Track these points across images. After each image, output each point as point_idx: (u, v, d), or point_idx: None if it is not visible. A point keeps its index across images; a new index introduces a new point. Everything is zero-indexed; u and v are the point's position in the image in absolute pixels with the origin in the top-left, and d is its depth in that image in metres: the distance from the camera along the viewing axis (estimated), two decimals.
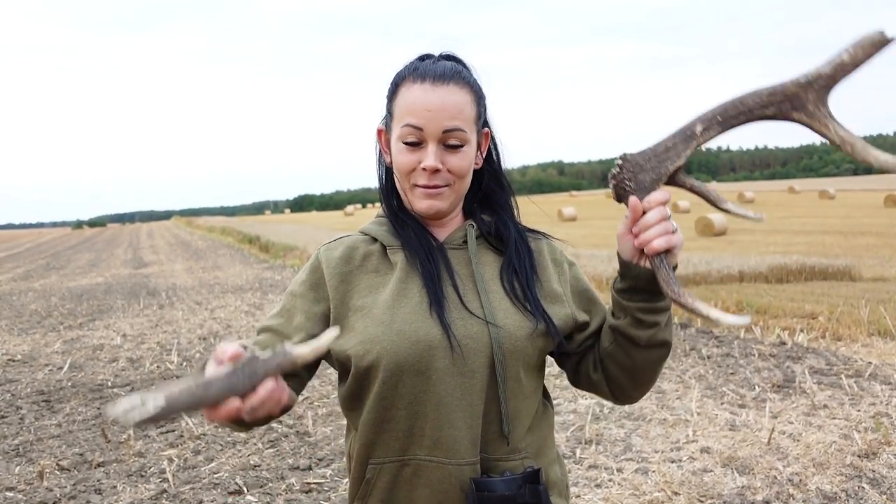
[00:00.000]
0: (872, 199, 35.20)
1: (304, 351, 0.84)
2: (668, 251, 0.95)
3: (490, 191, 1.18)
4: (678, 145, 0.91)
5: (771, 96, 0.86)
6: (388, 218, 1.16)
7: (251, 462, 3.75)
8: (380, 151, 1.18)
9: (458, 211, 1.17)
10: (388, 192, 1.17)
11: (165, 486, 3.48)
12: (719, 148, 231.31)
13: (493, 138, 1.18)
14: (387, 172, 1.17)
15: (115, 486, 3.51)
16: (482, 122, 1.14)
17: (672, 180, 0.94)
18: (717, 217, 19.49)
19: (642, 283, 1.01)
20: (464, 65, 1.13)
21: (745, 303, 7.55)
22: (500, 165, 1.19)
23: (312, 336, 1.05)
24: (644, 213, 0.94)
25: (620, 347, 1.08)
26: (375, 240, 1.14)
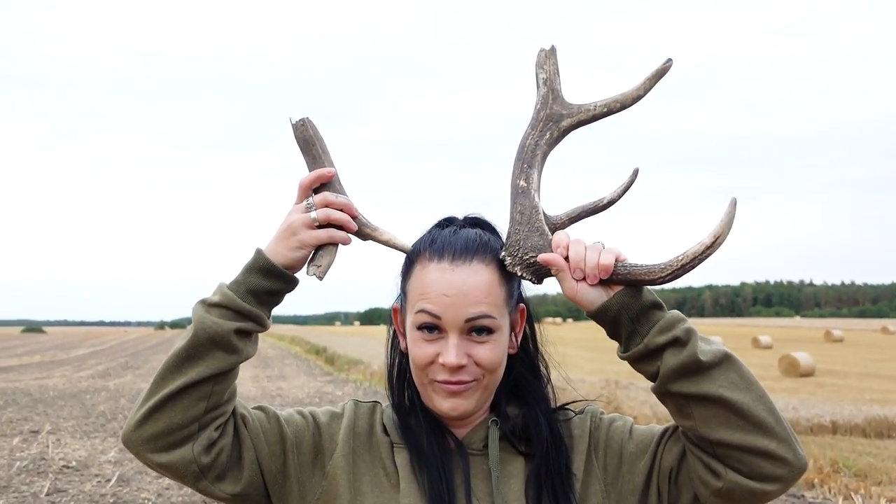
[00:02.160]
0: None
1: (384, 230, 0.95)
2: (617, 261, 0.86)
3: (521, 377, 0.99)
4: (525, 203, 0.92)
5: (536, 121, 0.94)
6: (395, 410, 0.99)
7: None
8: (393, 332, 1.02)
9: (485, 407, 0.97)
10: (402, 381, 1.00)
11: None
12: (801, 282, 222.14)
13: (529, 315, 0.99)
14: (401, 358, 1.00)
15: None
16: (515, 299, 0.96)
17: (552, 227, 0.94)
18: (802, 356, 18.21)
19: (633, 308, 0.86)
20: (492, 230, 0.97)
21: (840, 462, 6.75)
22: (536, 349, 1.00)
23: (286, 438, 0.93)
24: (566, 258, 0.87)
25: (694, 400, 0.82)
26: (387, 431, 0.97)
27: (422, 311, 0.90)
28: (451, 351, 0.88)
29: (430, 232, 0.97)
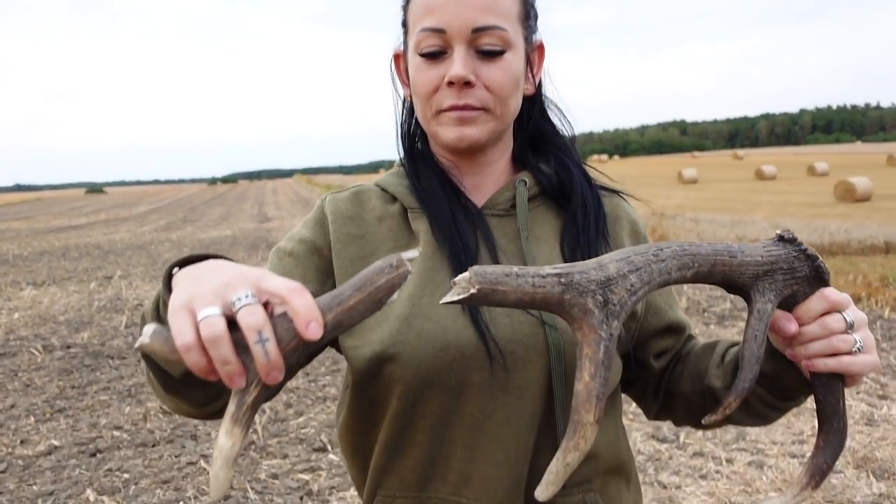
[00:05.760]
0: None
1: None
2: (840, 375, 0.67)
3: (540, 128, 0.89)
4: None
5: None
6: (406, 170, 0.89)
7: None
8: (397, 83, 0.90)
9: (502, 155, 0.88)
10: (411, 134, 0.90)
11: (254, 437, 3.55)
12: (867, 105, 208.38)
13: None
14: (409, 112, 0.91)
15: (209, 434, 3.63)
16: (531, 28, 0.84)
17: None
18: (860, 181, 17.45)
19: (786, 381, 0.75)
20: None
21: (891, 277, 6.68)
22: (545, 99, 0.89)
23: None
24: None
25: (703, 405, 0.84)
26: (395, 198, 0.87)
27: (423, 29, 0.78)
28: (456, 62, 0.76)
29: None
